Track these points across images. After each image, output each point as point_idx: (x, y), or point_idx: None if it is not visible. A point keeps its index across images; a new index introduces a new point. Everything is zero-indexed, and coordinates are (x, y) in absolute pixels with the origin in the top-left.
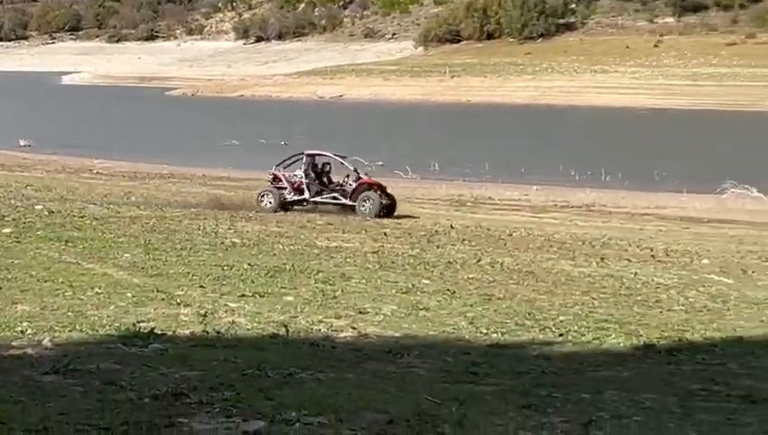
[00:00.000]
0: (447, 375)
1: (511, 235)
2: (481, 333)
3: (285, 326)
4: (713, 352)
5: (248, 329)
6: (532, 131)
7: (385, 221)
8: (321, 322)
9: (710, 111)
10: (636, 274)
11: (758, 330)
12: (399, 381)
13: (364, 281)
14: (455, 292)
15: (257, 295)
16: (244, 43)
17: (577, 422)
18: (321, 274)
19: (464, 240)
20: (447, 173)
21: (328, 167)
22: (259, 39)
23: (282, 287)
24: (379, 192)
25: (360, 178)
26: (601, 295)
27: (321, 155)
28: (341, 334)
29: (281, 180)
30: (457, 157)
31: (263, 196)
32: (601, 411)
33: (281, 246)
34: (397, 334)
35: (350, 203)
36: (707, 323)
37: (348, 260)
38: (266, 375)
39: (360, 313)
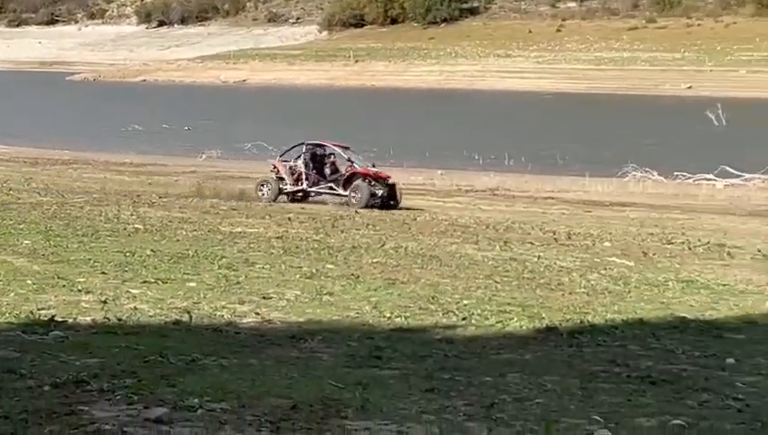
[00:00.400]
0: (351, 360)
1: (415, 219)
2: (384, 317)
3: (188, 312)
4: (614, 334)
5: (150, 316)
6: (437, 116)
7: (289, 206)
8: (224, 307)
9: (612, 95)
10: (539, 257)
11: (658, 311)
12: (303, 366)
13: (268, 266)
14: (359, 276)
15: (160, 282)
16: (147, 28)
17: (479, 405)
18: (224, 259)
19: (368, 225)
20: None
21: (332, 157)
22: (161, 23)
23: (185, 273)
24: (370, 181)
25: (352, 167)
26: (504, 279)
27: (322, 145)
28: (245, 320)
29: (279, 171)
30: (362, 141)
31: (262, 186)
32: (504, 394)
33: (184, 232)
34: (300, 320)
35: (344, 193)
36: (608, 305)
37: (252, 246)
38: (169, 362)
39: (264, 298)
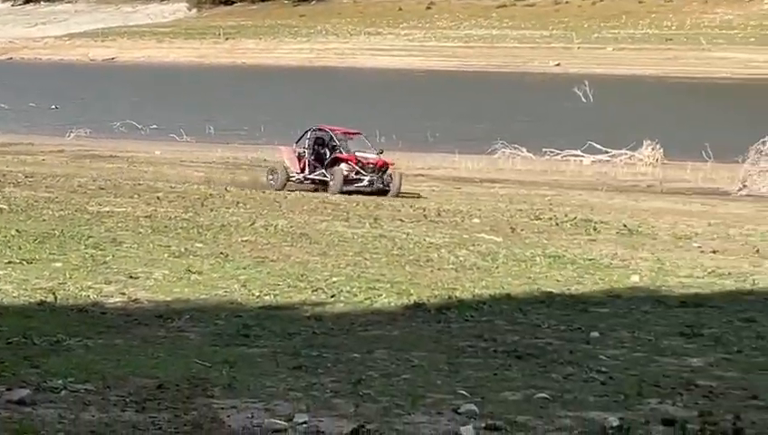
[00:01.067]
0: (218, 338)
1: (286, 197)
2: (253, 295)
3: (53, 293)
4: (481, 310)
5: (14, 296)
6: (308, 94)
7: (158, 185)
8: (90, 288)
9: (482, 73)
10: (408, 234)
11: (525, 287)
12: (170, 345)
13: (136, 246)
14: (228, 255)
15: (24, 262)
16: (12, 5)
17: (347, 382)
18: (91, 239)
19: (238, 203)
20: (223, 136)
21: (334, 142)
22: (27, 0)
23: (50, 253)
24: (347, 165)
25: (337, 152)
26: (374, 256)
27: (324, 131)
28: (111, 300)
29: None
30: (233, 120)
31: (271, 173)
32: (371, 370)
33: (51, 212)
34: (168, 299)
35: (329, 179)
36: (476, 280)
37: (119, 225)
38: (33, 343)
39: (131, 278)
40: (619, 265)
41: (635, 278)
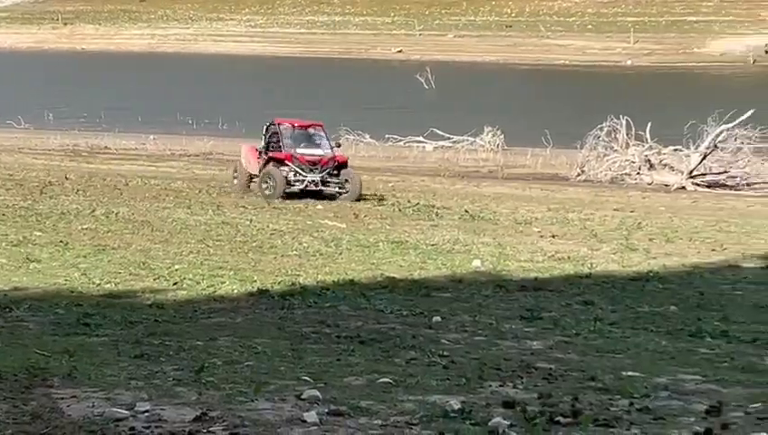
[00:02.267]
0: (58, 328)
1: (127, 184)
2: (94, 283)
3: None
4: (325, 296)
5: None
6: (149, 80)
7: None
8: None
9: (326, 59)
10: (251, 221)
11: (368, 272)
12: (8, 335)
13: None
14: (68, 243)
15: None
16: None
17: (189, 370)
18: None
19: (78, 190)
20: (62, 123)
21: (281, 138)
22: None
23: None
24: (285, 167)
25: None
26: (217, 243)
27: (277, 124)
28: None
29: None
30: (72, 106)
31: (235, 172)
32: (214, 358)
33: None
34: (6, 288)
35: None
36: (320, 267)
37: None
38: None
39: None
40: (461, 251)
41: (476, 263)
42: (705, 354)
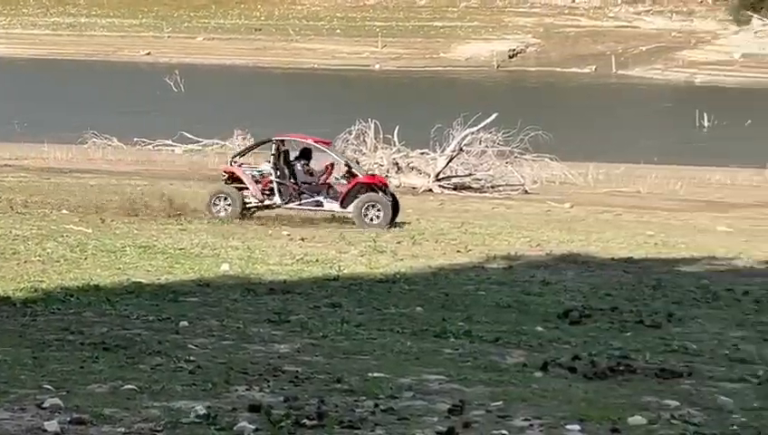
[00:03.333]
0: None
1: None
2: None
3: None
4: (69, 302)
5: None
6: None
7: None
8: None
9: (73, 61)
10: None
11: (114, 277)
12: None
13: None
14: None
15: None
16: None
17: None
18: None
19: None
20: None
21: (303, 160)
22: None
23: None
24: (382, 193)
25: (353, 173)
26: None
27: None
28: None
29: (239, 179)
30: None
31: (217, 199)
32: None
33: None
34: None
35: (342, 210)
36: (64, 273)
37: None
38: None
39: None
40: (210, 255)
41: (225, 267)
42: (449, 354)
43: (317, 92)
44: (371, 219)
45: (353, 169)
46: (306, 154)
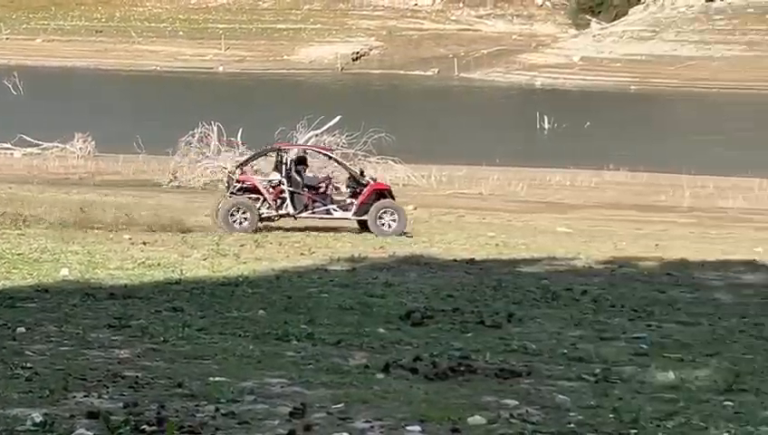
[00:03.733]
0: None
1: None
2: None
3: None
4: None
5: None
6: None
7: None
8: None
9: None
10: None
11: None
12: None
13: None
14: None
15: None
16: None
17: None
18: None
19: None
20: None
21: (302, 167)
22: None
23: None
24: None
25: (365, 180)
26: None
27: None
28: None
29: (254, 188)
30: None
31: (234, 211)
32: None
33: None
34: None
35: (356, 218)
36: None
37: None
38: None
39: None
40: (49, 260)
41: (65, 272)
42: (291, 357)
43: (160, 95)
44: (387, 225)
45: (358, 177)
46: (302, 161)
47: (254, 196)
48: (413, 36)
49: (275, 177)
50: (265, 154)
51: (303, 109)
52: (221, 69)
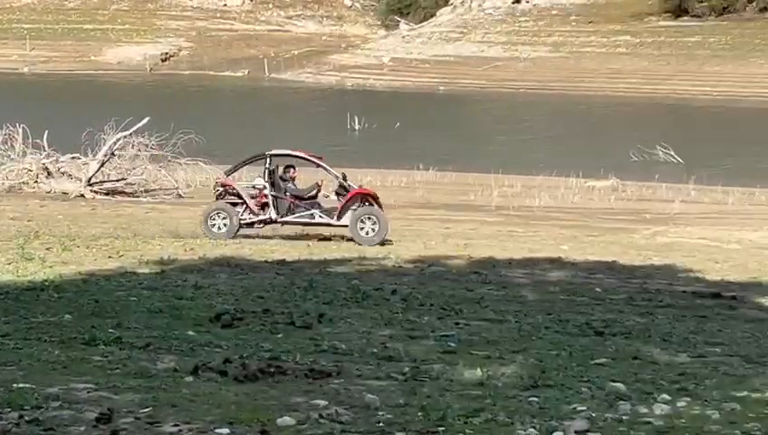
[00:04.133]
0: None
1: None
2: None
3: None
4: None
5: None
6: None
7: None
8: None
9: None
10: None
11: None
12: None
13: None
14: None
15: None
16: None
17: None
18: None
19: None
20: None
21: (291, 171)
22: None
23: None
24: (375, 205)
25: (347, 186)
26: None
27: (290, 156)
28: None
29: (236, 194)
30: None
31: (214, 216)
32: None
33: None
34: None
35: (338, 223)
36: None
37: None
38: None
39: None
40: None
41: None
42: (98, 362)
43: None
44: (367, 232)
45: (346, 184)
46: (290, 166)
47: (237, 201)
48: (223, 37)
49: (259, 182)
50: (256, 159)
51: (112, 110)
52: (26, 70)
